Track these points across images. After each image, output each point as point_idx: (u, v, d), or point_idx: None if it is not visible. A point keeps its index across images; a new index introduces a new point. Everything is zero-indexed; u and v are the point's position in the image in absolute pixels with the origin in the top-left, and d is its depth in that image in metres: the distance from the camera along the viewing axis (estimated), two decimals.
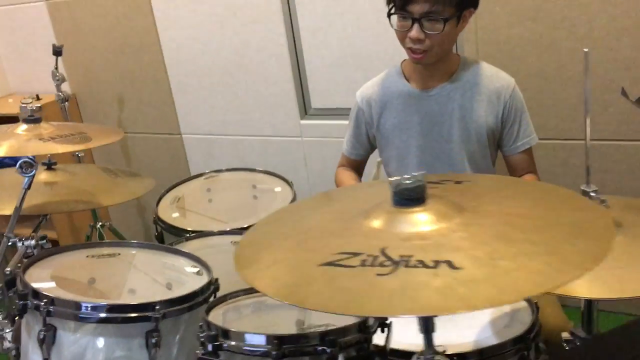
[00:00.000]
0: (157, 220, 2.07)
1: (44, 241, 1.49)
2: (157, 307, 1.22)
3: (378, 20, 2.31)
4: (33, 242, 1.47)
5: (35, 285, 1.21)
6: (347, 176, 1.89)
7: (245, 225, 1.95)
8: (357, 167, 1.93)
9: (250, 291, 1.27)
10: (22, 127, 1.52)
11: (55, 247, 1.39)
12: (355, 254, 0.72)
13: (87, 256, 1.42)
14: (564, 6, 2.03)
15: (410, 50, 1.58)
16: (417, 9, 1.51)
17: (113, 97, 3.02)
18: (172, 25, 2.72)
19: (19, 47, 3.12)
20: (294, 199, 2.09)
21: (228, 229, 1.94)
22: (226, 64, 2.68)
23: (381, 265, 0.70)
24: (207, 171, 2.38)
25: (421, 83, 1.70)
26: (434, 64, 1.64)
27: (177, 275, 1.43)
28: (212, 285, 1.34)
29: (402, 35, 1.58)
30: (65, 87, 2.77)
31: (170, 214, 2.10)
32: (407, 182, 0.80)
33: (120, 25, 2.82)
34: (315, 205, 0.97)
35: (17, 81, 3.23)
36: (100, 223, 2.56)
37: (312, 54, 2.51)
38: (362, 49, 2.41)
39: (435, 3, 1.49)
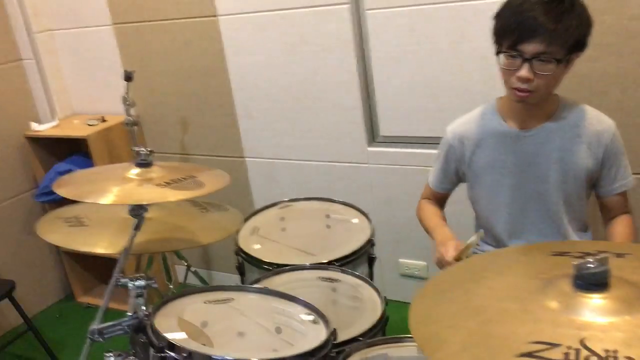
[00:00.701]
0: (239, 251, 2.08)
1: (152, 281, 1.51)
2: None
3: (452, 50, 2.31)
4: (143, 282, 1.49)
5: (169, 336, 1.23)
6: (433, 211, 1.91)
7: (330, 259, 1.96)
8: (442, 200, 1.94)
9: (372, 344, 1.27)
10: (133, 172, 1.54)
11: (176, 293, 1.41)
12: (553, 345, 0.72)
13: (205, 302, 1.43)
14: None
15: (515, 90, 1.58)
16: (530, 49, 1.49)
17: (177, 120, 3.05)
18: (241, 51, 2.74)
19: (84, 69, 3.17)
20: (372, 233, 2.09)
21: (313, 263, 1.95)
22: (293, 90, 2.70)
23: None
24: (283, 200, 2.39)
25: (519, 123, 1.69)
26: (535, 104, 1.63)
27: (287, 320, 1.44)
28: (333, 336, 1.35)
29: (508, 74, 1.57)
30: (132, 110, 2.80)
31: (252, 245, 2.11)
32: (591, 265, 0.79)
33: (188, 49, 2.86)
34: (469, 276, 0.96)
35: (81, 102, 3.29)
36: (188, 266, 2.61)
37: (383, 82, 2.52)
38: (433, 78, 2.41)
39: (550, 44, 1.48)
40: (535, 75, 1.52)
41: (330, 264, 1.95)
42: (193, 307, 1.43)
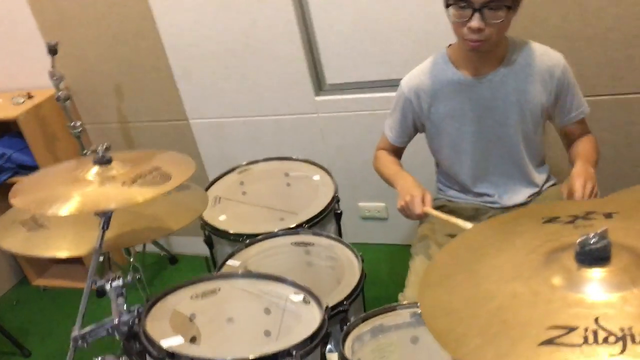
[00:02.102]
0: (205, 225, 2.05)
1: (130, 279, 1.46)
2: (294, 352, 1.23)
3: None
4: (120, 281, 1.45)
5: (165, 344, 1.20)
6: (391, 160, 1.91)
7: (298, 222, 1.96)
8: (399, 152, 1.94)
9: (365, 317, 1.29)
10: (92, 171, 1.45)
11: (159, 293, 1.37)
12: (571, 329, 0.74)
13: (191, 297, 1.41)
14: None
15: (468, 41, 1.56)
16: None
17: (111, 88, 2.90)
18: (169, 10, 2.60)
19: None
20: (336, 189, 2.09)
21: (283, 229, 1.94)
22: (232, 46, 2.60)
23: (606, 342, 0.72)
24: (241, 164, 2.34)
25: (472, 70, 1.69)
26: (487, 51, 1.62)
27: (277, 301, 1.44)
28: (327, 314, 1.36)
29: (459, 26, 1.55)
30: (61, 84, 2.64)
31: (217, 217, 2.07)
32: (593, 239, 0.81)
33: (112, 13, 2.68)
34: (470, 254, 0.97)
35: (1, 79, 3.06)
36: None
37: (324, 29, 2.45)
38: (375, 21, 2.36)
39: None
40: (486, 24, 1.51)
41: (299, 227, 1.94)
42: (181, 305, 1.40)
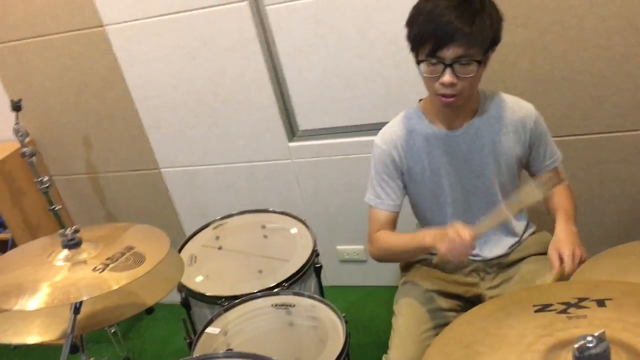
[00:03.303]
0: (182, 287, 1.99)
1: None
2: None
3: (361, 37, 2.26)
4: None
5: None
6: (395, 234, 1.75)
7: (278, 281, 1.92)
8: (394, 224, 1.77)
9: None
10: (61, 255, 1.39)
11: None
12: None
13: None
14: (553, 10, 2.04)
15: (440, 96, 1.55)
16: (449, 54, 1.47)
17: (79, 140, 2.84)
18: (136, 61, 2.56)
19: None
20: (315, 243, 2.06)
21: (263, 290, 1.90)
22: (201, 95, 2.57)
23: None
24: (216, 218, 2.30)
25: (446, 123, 1.68)
26: (460, 105, 1.62)
27: None
28: None
29: (432, 81, 1.54)
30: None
31: (193, 278, 2.02)
32: (591, 345, 0.79)
33: (77, 65, 2.63)
34: (462, 352, 0.94)
35: None
36: None
37: (294, 76, 2.44)
38: (345, 67, 2.35)
39: (469, 47, 1.46)
40: (458, 78, 1.50)
41: (279, 286, 1.90)
42: None
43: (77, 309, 1.33)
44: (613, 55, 2.05)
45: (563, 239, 1.57)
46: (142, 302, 1.55)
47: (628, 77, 2.07)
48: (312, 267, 2.02)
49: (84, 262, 1.36)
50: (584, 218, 2.25)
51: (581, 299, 0.96)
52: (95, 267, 1.32)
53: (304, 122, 2.54)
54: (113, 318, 1.49)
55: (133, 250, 1.37)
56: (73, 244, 1.37)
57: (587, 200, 2.33)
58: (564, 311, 0.95)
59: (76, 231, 1.39)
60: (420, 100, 1.76)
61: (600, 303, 0.95)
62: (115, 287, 1.24)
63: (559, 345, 0.87)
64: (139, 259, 1.33)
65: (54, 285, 1.28)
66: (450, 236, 1.48)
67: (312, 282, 2.04)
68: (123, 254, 1.36)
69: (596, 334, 0.80)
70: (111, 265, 1.32)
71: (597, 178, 2.29)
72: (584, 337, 0.80)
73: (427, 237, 1.58)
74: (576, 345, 0.80)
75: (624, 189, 2.28)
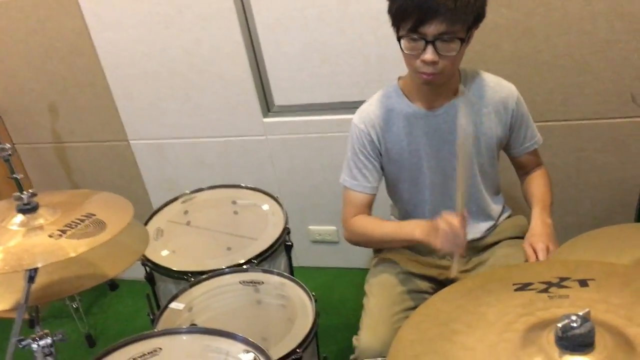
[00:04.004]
0: (146, 261, 1.92)
1: (61, 336, 1.33)
2: None
3: (341, 12, 2.19)
4: (49, 340, 1.31)
5: None
6: (376, 220, 1.69)
7: (247, 258, 1.86)
8: (371, 206, 1.73)
9: None
10: (16, 220, 1.31)
11: (97, 356, 1.23)
12: None
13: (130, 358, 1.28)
14: None
15: (421, 74, 1.50)
16: (432, 30, 1.41)
17: (44, 107, 2.73)
18: (107, 27, 2.45)
19: None
20: (286, 220, 2.00)
21: (231, 266, 1.83)
22: (175, 65, 2.48)
23: None
24: (185, 192, 2.22)
25: (427, 103, 1.63)
26: (441, 84, 1.57)
27: (224, 358, 1.33)
28: None
29: (412, 58, 1.48)
30: None
31: (159, 252, 1.95)
32: (575, 324, 0.75)
33: (44, 29, 2.51)
34: (439, 330, 0.89)
35: None
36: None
37: (272, 49, 2.36)
38: (324, 42, 2.29)
39: (452, 23, 1.40)
40: (439, 56, 1.45)
41: (248, 263, 1.84)
42: None
43: (31, 277, 1.25)
44: (596, 41, 2.02)
45: (538, 234, 1.56)
46: (103, 273, 1.47)
47: (610, 64, 2.04)
48: (282, 245, 1.96)
49: (40, 227, 1.28)
50: (559, 206, 2.23)
51: (563, 279, 0.92)
52: (52, 234, 1.24)
53: (280, 98, 2.47)
54: (71, 289, 1.41)
55: (94, 218, 1.29)
56: (29, 209, 1.29)
57: (562, 188, 2.31)
58: (545, 290, 0.91)
59: (33, 195, 1.31)
60: (399, 78, 1.70)
61: (583, 283, 0.91)
62: (72, 255, 1.16)
63: (540, 324, 0.83)
64: (100, 227, 1.25)
65: (6, 250, 1.20)
66: (442, 229, 1.43)
67: (282, 261, 1.99)
68: (82, 220, 1.28)
69: (580, 313, 0.76)
70: (69, 232, 1.24)
71: (574, 166, 2.27)
72: (568, 316, 0.76)
73: (416, 231, 1.53)
74: (559, 325, 0.76)
75: (600, 178, 2.26)
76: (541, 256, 1.48)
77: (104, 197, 1.44)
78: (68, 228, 1.25)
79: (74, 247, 1.19)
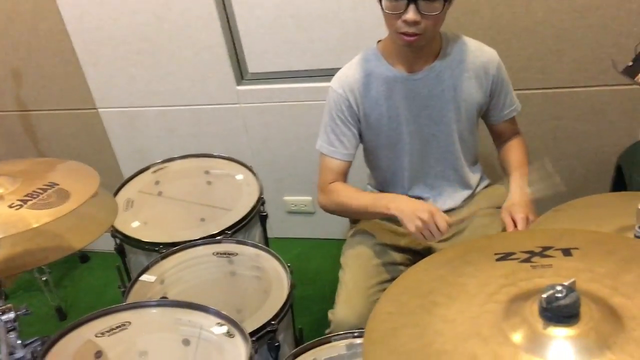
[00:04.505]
0: (116, 232, 1.86)
1: (25, 310, 1.28)
2: None
3: None
4: (12, 314, 1.26)
5: None
6: (354, 189, 1.64)
7: (221, 228, 1.81)
8: (347, 173, 1.69)
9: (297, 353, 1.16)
10: None
11: (62, 330, 1.18)
12: None
13: (96, 335, 1.23)
14: None
15: (402, 35, 1.44)
16: None
17: (7, 73, 2.62)
18: None
19: None
20: (261, 190, 1.95)
21: (204, 237, 1.79)
22: (145, 30, 2.38)
23: None
24: (156, 162, 2.15)
25: (407, 66, 1.58)
26: (422, 46, 1.52)
27: (197, 332, 1.29)
28: (254, 349, 1.22)
29: (393, 18, 1.43)
30: None
31: (129, 223, 1.89)
32: (560, 295, 0.72)
33: None
34: (418, 301, 0.86)
35: None
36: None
37: (245, 15, 2.28)
38: (299, 7, 2.21)
39: None
40: (422, 16, 1.40)
41: (222, 234, 1.79)
42: (84, 344, 1.22)
43: None
44: (576, 7, 1.98)
45: (517, 203, 1.53)
46: (69, 245, 1.41)
47: (589, 31, 2.01)
48: (257, 216, 1.91)
49: (1, 198, 1.21)
50: None
51: (546, 248, 0.90)
52: (12, 204, 1.17)
53: (253, 65, 2.40)
54: (36, 261, 1.35)
55: (57, 187, 1.23)
56: None
57: (539, 157, 2.29)
58: (527, 260, 0.88)
59: None
60: (378, 41, 1.65)
61: (566, 252, 0.89)
62: (35, 226, 1.10)
63: (523, 295, 0.80)
64: (63, 197, 1.19)
65: None
66: (424, 219, 1.40)
67: (256, 232, 1.94)
68: (45, 190, 1.22)
69: (566, 284, 0.73)
70: (30, 202, 1.17)
71: (550, 134, 2.26)
72: (553, 287, 0.73)
73: (391, 206, 1.49)
74: (544, 296, 0.73)
75: (578, 147, 2.25)
76: (520, 226, 1.46)
77: (68, 166, 1.38)
78: (29, 198, 1.19)
79: (36, 217, 1.13)
